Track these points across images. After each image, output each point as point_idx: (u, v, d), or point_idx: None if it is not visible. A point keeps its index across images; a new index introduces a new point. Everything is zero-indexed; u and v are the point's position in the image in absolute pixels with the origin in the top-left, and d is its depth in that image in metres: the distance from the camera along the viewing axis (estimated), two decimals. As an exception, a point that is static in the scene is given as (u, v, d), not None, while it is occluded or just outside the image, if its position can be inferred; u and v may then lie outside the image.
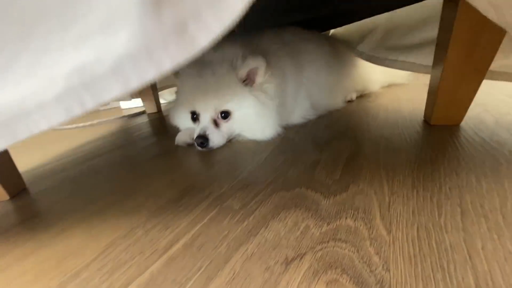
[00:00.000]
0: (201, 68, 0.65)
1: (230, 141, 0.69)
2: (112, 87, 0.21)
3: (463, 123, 0.61)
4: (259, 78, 0.66)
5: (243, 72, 0.64)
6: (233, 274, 0.26)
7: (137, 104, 1.64)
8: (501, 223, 0.28)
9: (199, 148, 0.64)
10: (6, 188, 0.52)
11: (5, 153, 0.55)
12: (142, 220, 0.37)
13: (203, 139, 0.62)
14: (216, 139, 0.64)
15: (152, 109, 1.33)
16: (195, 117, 0.68)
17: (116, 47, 0.20)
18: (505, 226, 0.28)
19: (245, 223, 0.34)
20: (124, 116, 1.32)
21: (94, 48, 0.21)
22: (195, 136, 0.64)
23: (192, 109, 0.68)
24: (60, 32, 0.21)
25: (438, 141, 0.52)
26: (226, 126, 0.66)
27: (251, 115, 0.65)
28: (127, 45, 0.19)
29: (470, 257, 0.25)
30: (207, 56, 0.66)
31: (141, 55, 0.19)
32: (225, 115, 0.65)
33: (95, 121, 1.25)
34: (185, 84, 0.69)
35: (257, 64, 0.64)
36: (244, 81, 0.65)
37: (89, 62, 0.21)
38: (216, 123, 0.66)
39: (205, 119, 0.65)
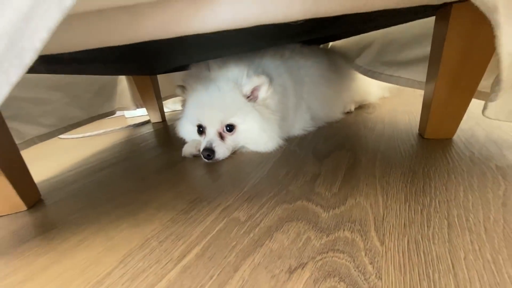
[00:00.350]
0: (207, 85, 0.69)
1: (234, 153, 0.72)
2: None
3: (455, 137, 0.64)
4: (262, 94, 0.70)
5: (248, 89, 0.68)
6: (243, 282, 0.29)
7: (141, 113, 1.68)
8: (483, 235, 0.31)
9: (205, 160, 0.68)
10: (24, 199, 0.55)
11: (22, 164, 0.58)
12: (156, 231, 0.40)
13: (209, 151, 0.66)
14: (222, 151, 0.68)
15: (156, 118, 1.37)
16: (201, 130, 0.72)
17: None
18: (486, 238, 0.31)
19: (252, 234, 0.37)
20: (129, 126, 1.36)
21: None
22: (201, 148, 0.68)
23: (199, 123, 0.72)
24: None
25: (430, 155, 0.56)
26: (231, 139, 0.70)
27: (254, 129, 0.69)
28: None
29: (453, 266, 0.28)
30: (213, 73, 0.71)
31: None
32: (230, 128, 0.69)
33: (101, 131, 1.29)
34: (192, 99, 0.73)
35: (261, 81, 0.68)
36: (248, 97, 0.69)
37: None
38: (221, 136, 0.69)
39: (211, 132, 0.69)
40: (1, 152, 0.52)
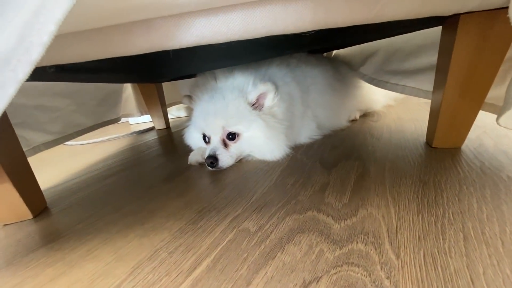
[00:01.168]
0: (213, 94, 0.70)
1: (240, 161, 0.72)
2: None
3: (463, 146, 0.63)
4: (268, 102, 0.70)
5: (253, 96, 0.68)
6: (256, 297, 0.28)
7: (145, 119, 1.68)
8: (500, 250, 0.31)
9: (209, 168, 0.67)
10: (30, 207, 0.55)
11: (29, 172, 0.58)
12: (165, 242, 0.40)
13: (212, 159, 0.66)
14: (225, 159, 0.68)
15: (161, 125, 1.37)
16: (206, 139, 0.73)
17: None
18: (504, 252, 0.30)
19: (263, 246, 0.36)
20: (133, 132, 1.36)
21: None
22: (205, 156, 0.68)
23: (203, 131, 0.72)
24: None
25: (440, 164, 0.55)
26: (235, 147, 0.70)
27: (260, 137, 0.69)
28: None
29: (472, 282, 0.27)
30: (219, 83, 0.71)
31: None
32: (232, 136, 0.69)
33: (105, 138, 1.29)
34: (197, 108, 0.74)
35: (266, 89, 0.68)
36: (253, 104, 0.69)
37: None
38: (225, 144, 0.69)
39: (215, 140, 0.70)
40: (10, 160, 0.52)
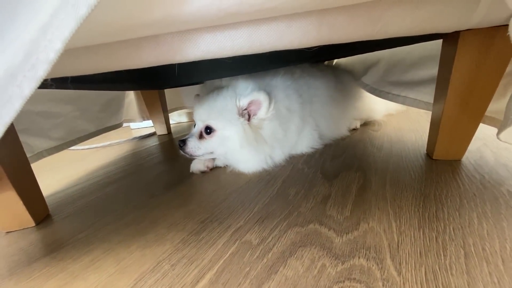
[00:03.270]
0: (213, 90, 0.72)
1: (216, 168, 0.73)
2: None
3: (464, 158, 0.64)
4: (262, 114, 0.68)
5: (244, 101, 0.68)
6: (259, 312, 0.29)
7: (146, 124, 1.69)
8: (500, 267, 0.31)
9: (180, 151, 0.73)
10: (32, 214, 0.55)
11: (33, 179, 0.58)
12: (167, 254, 0.40)
13: (182, 142, 0.71)
14: (192, 146, 0.71)
15: (162, 130, 1.37)
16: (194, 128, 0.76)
17: None
18: (504, 270, 0.31)
19: (265, 260, 0.36)
20: (135, 138, 1.37)
21: None
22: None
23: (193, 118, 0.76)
24: None
25: (440, 177, 0.56)
26: (207, 141, 0.71)
27: (233, 142, 0.69)
28: None
29: (474, 301, 0.27)
30: (224, 82, 0.74)
31: None
32: (209, 131, 0.70)
33: (106, 143, 1.29)
34: (198, 101, 0.77)
35: (260, 98, 0.67)
36: (245, 110, 0.69)
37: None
38: (201, 136, 0.72)
39: (196, 129, 0.73)
40: (14, 166, 0.53)
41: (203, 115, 0.71)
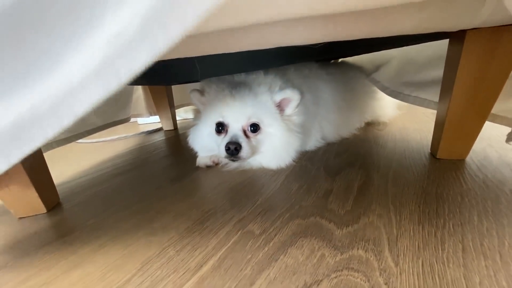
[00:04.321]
0: (235, 84, 0.69)
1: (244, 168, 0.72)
2: (141, 50, 0.21)
3: (468, 158, 0.64)
4: (289, 110, 0.70)
5: (278, 98, 0.68)
6: (259, 296, 0.30)
7: (153, 120, 1.71)
8: (498, 261, 0.32)
9: (228, 158, 0.66)
10: (44, 201, 0.57)
11: (45, 167, 0.60)
12: (172, 241, 0.42)
13: (236, 145, 0.63)
14: (248, 149, 0.65)
15: (169, 126, 1.40)
16: (220, 129, 0.69)
17: (142, 6, 0.20)
18: (501, 264, 0.31)
19: (266, 248, 0.38)
20: (142, 132, 1.39)
21: (127, 10, 0.21)
22: (223, 144, 0.64)
23: (221, 119, 0.69)
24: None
25: (443, 176, 0.56)
26: (255, 140, 0.67)
27: (277, 137, 0.68)
28: (150, 2, 0.20)
29: (468, 291, 0.28)
30: (237, 77, 0.72)
31: (165, 9, 0.19)
32: (255, 128, 0.67)
33: (115, 137, 1.32)
34: (214, 97, 0.71)
35: (292, 96, 0.68)
36: (277, 106, 0.70)
37: (123, 27, 0.21)
38: (246, 135, 0.67)
39: (235, 128, 0.67)
40: (28, 155, 0.55)
41: (246, 112, 0.66)
